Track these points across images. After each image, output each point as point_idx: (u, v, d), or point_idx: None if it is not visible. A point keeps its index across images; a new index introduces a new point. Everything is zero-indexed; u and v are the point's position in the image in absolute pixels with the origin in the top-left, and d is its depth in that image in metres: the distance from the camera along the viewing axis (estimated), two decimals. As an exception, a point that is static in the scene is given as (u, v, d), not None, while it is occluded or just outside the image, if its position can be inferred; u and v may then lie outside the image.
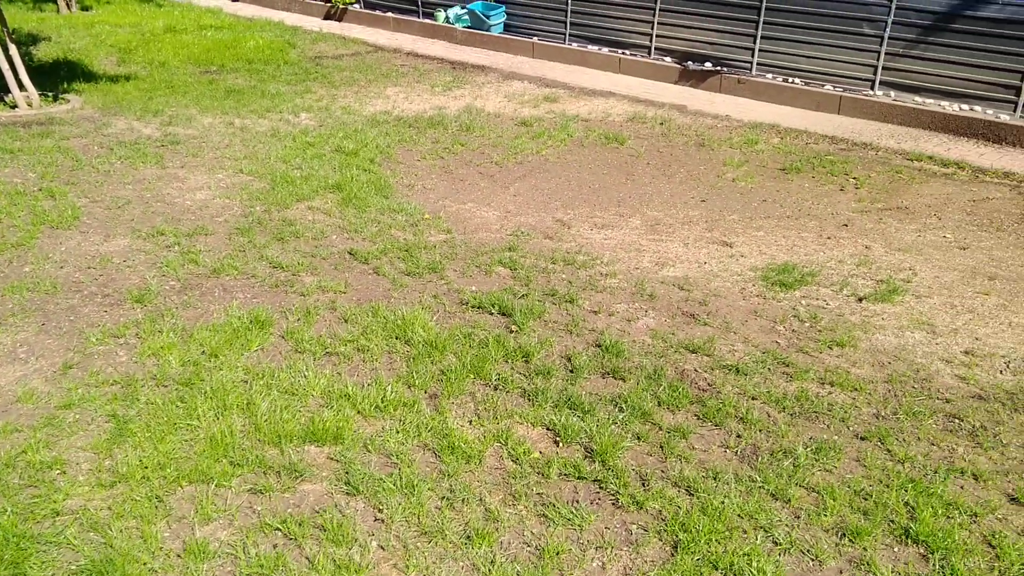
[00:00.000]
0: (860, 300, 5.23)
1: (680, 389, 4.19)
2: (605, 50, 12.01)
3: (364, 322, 4.78)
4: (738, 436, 3.88)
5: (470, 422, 3.95)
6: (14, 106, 8.95)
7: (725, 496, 3.44)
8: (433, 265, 5.54)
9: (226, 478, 3.51)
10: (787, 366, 4.46)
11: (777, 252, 5.94)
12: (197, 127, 8.64)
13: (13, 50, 8.76)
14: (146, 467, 3.55)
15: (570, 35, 12.47)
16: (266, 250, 5.72)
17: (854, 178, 7.50)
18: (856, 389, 4.27)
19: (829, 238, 6.20)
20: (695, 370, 4.41)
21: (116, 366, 4.34)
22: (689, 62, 11.12)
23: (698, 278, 5.51)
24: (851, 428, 3.95)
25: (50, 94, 9.59)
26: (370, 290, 5.24)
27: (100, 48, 12.48)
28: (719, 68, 10.81)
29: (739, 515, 3.35)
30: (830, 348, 4.66)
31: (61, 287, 5.15)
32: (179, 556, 3.12)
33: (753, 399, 4.17)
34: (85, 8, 15.90)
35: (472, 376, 4.28)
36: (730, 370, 4.41)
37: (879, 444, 3.83)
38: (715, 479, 3.57)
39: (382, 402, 4.02)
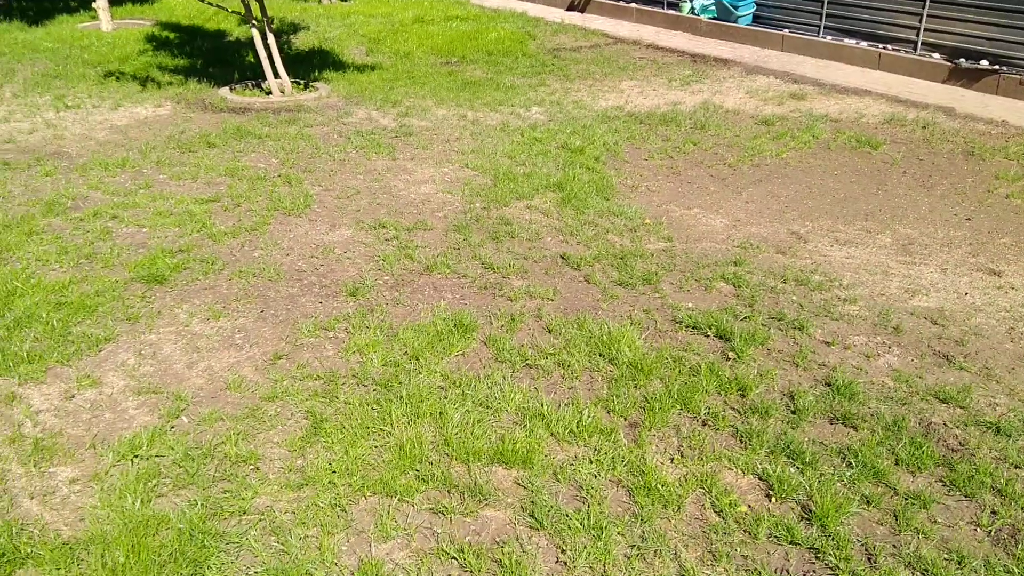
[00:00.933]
0: None
1: (924, 446, 3.57)
2: (863, 44, 10.97)
3: (568, 334, 4.51)
4: (993, 512, 3.24)
5: (671, 460, 3.57)
6: (268, 93, 9.52)
7: (973, 591, 2.86)
8: (648, 276, 5.17)
9: (410, 493, 3.37)
10: (1065, 431, 3.71)
11: (1059, 286, 5.04)
12: (431, 119, 8.76)
13: (271, 39, 9.29)
14: (334, 471, 3.49)
15: (825, 27, 11.52)
16: (480, 249, 5.60)
17: None
18: None
19: None
20: (944, 424, 3.76)
21: (322, 360, 4.36)
22: (961, 59, 9.88)
23: (956, 312, 4.76)
24: None
25: (301, 82, 10.13)
26: (579, 299, 4.97)
27: (352, 38, 13.09)
28: (997, 67, 9.52)
29: (990, 618, 2.76)
30: (1124, 413, 3.84)
31: (284, 275, 5.30)
32: (352, 574, 3.00)
33: (1016, 467, 3.48)
34: (345, -1, 16.81)
35: (679, 407, 3.89)
36: (988, 428, 3.73)
37: None
38: (960, 564, 2.99)
39: (577, 426, 3.74)
